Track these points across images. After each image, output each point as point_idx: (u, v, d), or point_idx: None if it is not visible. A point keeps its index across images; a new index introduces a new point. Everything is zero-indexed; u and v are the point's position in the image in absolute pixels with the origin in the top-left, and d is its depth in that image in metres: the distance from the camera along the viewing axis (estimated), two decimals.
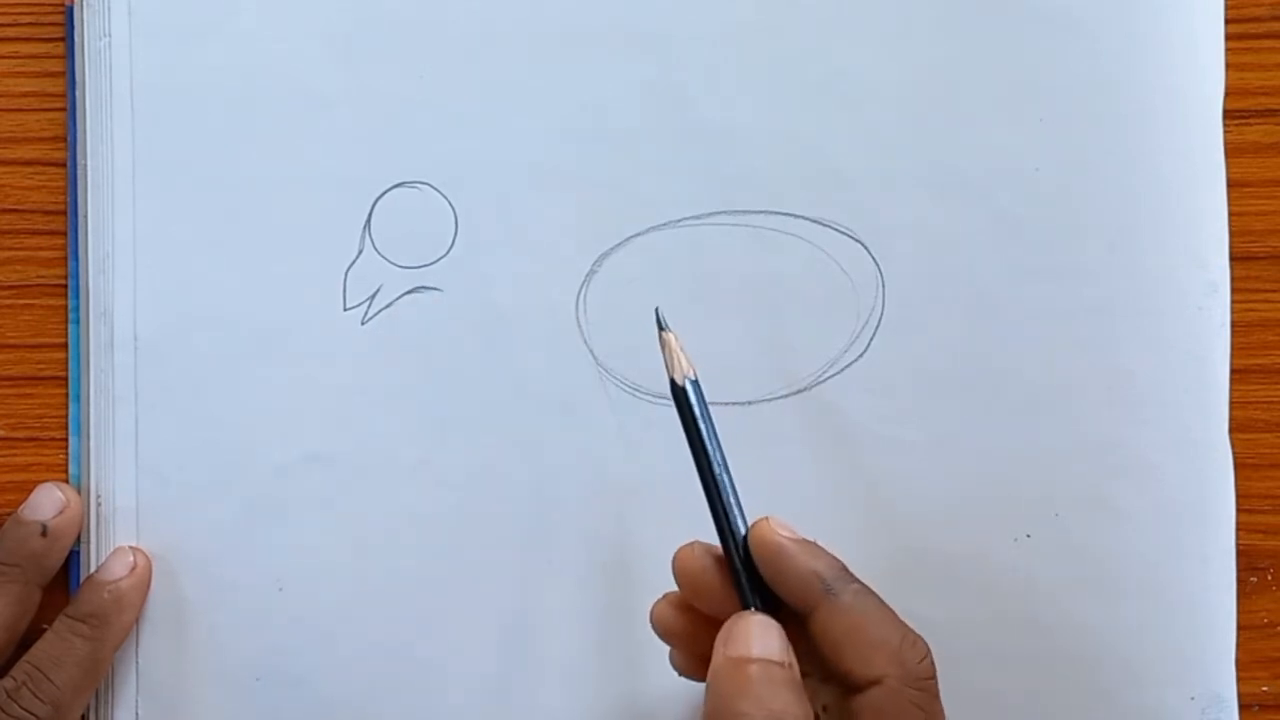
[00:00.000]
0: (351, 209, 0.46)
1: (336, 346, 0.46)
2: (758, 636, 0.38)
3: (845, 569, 0.39)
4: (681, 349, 0.38)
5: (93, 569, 0.45)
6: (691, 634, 0.40)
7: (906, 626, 0.39)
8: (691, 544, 0.40)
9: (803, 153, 0.46)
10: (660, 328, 0.39)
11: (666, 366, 0.39)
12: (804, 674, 0.38)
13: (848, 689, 0.37)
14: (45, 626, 0.44)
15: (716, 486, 0.39)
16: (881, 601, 0.39)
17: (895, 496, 0.45)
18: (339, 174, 0.46)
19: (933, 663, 0.38)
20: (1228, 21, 0.46)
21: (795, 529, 0.39)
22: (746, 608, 0.39)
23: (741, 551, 0.39)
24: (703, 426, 0.39)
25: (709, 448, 0.39)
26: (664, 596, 0.41)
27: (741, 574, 0.39)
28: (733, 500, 0.39)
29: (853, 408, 0.45)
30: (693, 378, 0.39)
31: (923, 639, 0.38)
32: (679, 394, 0.38)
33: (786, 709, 0.36)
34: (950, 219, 0.46)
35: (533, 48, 0.46)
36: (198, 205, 0.46)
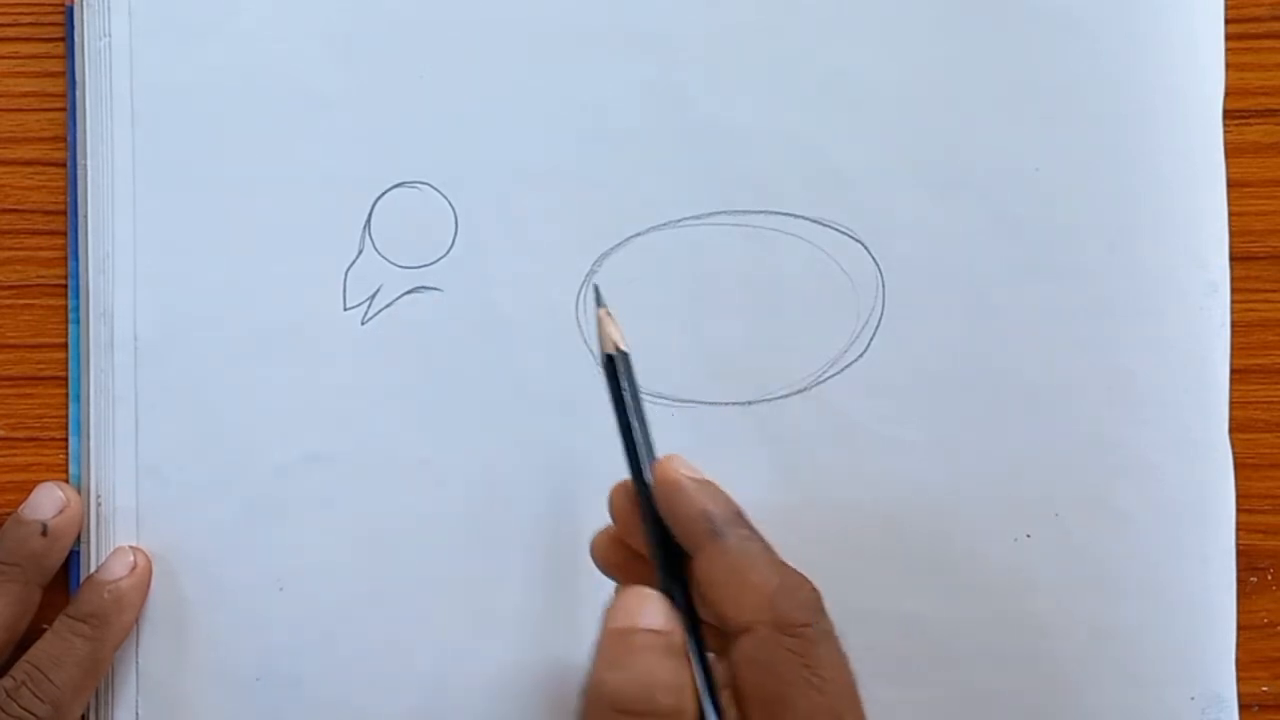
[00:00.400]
0: (351, 209, 0.46)
1: (337, 346, 0.46)
2: (636, 607, 0.37)
3: (740, 514, 0.38)
4: (615, 324, 0.40)
5: (93, 569, 0.45)
6: (628, 568, 0.40)
7: (793, 573, 0.37)
8: (625, 481, 0.40)
9: (803, 153, 0.46)
10: (598, 304, 0.41)
11: (600, 341, 0.40)
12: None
13: (727, 636, 0.37)
14: (45, 626, 0.44)
15: (630, 431, 0.39)
16: (770, 550, 0.38)
17: (895, 496, 0.45)
18: (339, 174, 0.46)
19: (817, 610, 0.37)
20: (1228, 21, 0.46)
21: (701, 470, 0.39)
22: (654, 546, 0.38)
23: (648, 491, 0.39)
24: (626, 393, 0.40)
25: (629, 406, 0.40)
26: (604, 529, 0.41)
27: (647, 514, 0.39)
28: (644, 445, 0.39)
29: (853, 408, 0.45)
30: (624, 349, 0.40)
31: (810, 586, 0.37)
32: (608, 363, 0.40)
33: (656, 676, 0.36)
34: (950, 219, 0.46)
35: (533, 48, 0.46)
36: (198, 205, 0.46)
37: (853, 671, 0.37)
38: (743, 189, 0.46)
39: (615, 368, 0.40)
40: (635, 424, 0.40)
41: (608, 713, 0.36)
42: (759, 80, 0.46)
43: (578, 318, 0.46)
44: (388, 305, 0.46)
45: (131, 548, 0.45)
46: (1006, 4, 0.46)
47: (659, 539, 0.38)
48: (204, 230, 0.46)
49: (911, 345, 0.45)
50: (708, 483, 0.39)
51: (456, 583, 0.45)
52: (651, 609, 0.37)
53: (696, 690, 0.37)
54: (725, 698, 0.37)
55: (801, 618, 0.36)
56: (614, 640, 0.37)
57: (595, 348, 0.46)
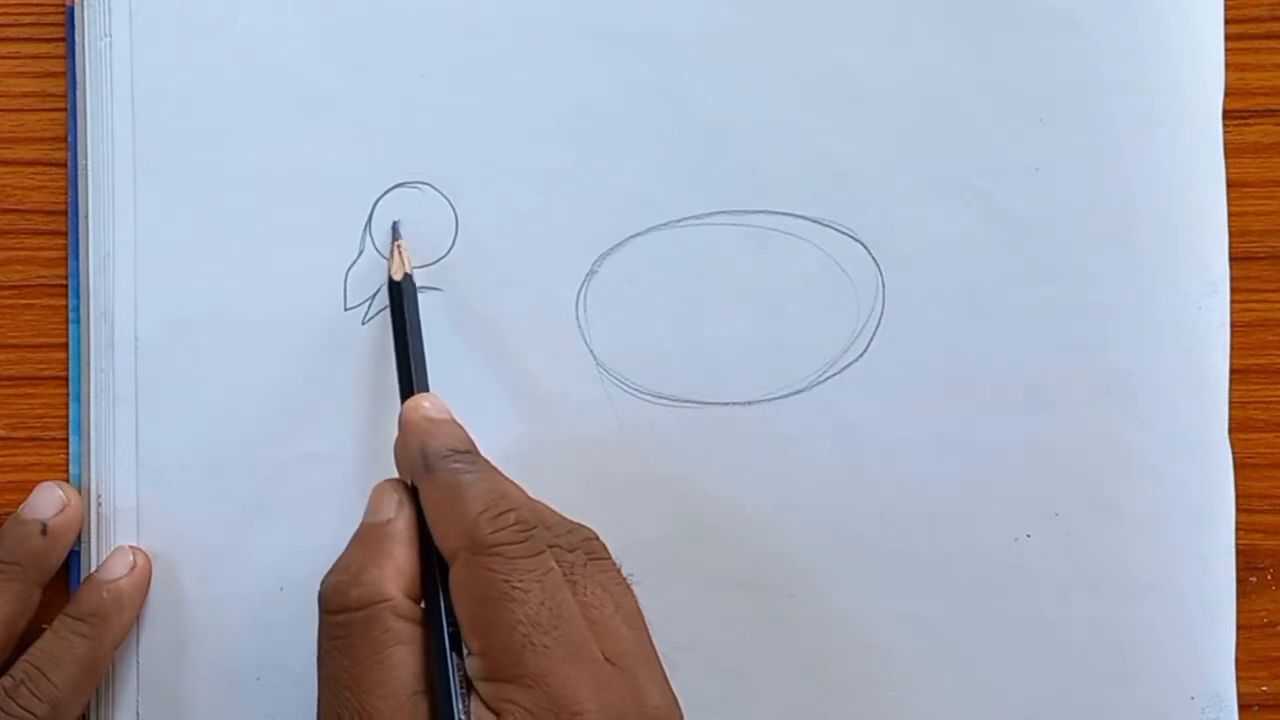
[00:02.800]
0: (351, 209, 0.46)
1: (337, 346, 0.46)
2: (373, 502, 0.40)
3: (459, 449, 0.39)
4: (404, 255, 0.44)
5: (93, 569, 0.45)
6: None
7: (503, 498, 0.38)
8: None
9: (803, 153, 0.46)
10: (395, 238, 0.45)
11: (390, 269, 0.44)
12: None
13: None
14: (45, 626, 0.44)
15: (406, 365, 0.42)
16: (486, 479, 0.39)
17: (895, 496, 0.45)
18: (339, 174, 0.46)
19: (524, 528, 0.37)
20: (1228, 22, 0.46)
21: (451, 409, 0.40)
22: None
23: None
24: (408, 315, 0.43)
25: (410, 333, 0.43)
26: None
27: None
28: (415, 382, 0.42)
29: (853, 408, 0.45)
30: (409, 272, 0.44)
31: (524, 510, 0.38)
32: (394, 287, 0.44)
33: (351, 571, 0.38)
34: (950, 219, 0.46)
35: (533, 48, 0.46)
36: (198, 205, 0.46)
37: (606, 595, 0.38)
38: (743, 189, 0.46)
39: (400, 293, 0.43)
40: (411, 353, 0.43)
41: (322, 615, 0.38)
42: (759, 80, 0.46)
43: (578, 318, 0.46)
44: (388, 305, 0.46)
45: (131, 548, 0.45)
46: (1006, 4, 0.46)
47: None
48: (204, 230, 0.46)
49: (911, 345, 0.45)
50: (440, 420, 0.40)
51: None
52: (382, 503, 0.39)
53: (426, 582, 0.38)
54: None
55: (499, 538, 0.37)
56: (358, 533, 0.39)
57: (597, 349, 0.46)
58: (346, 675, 0.37)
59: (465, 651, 0.37)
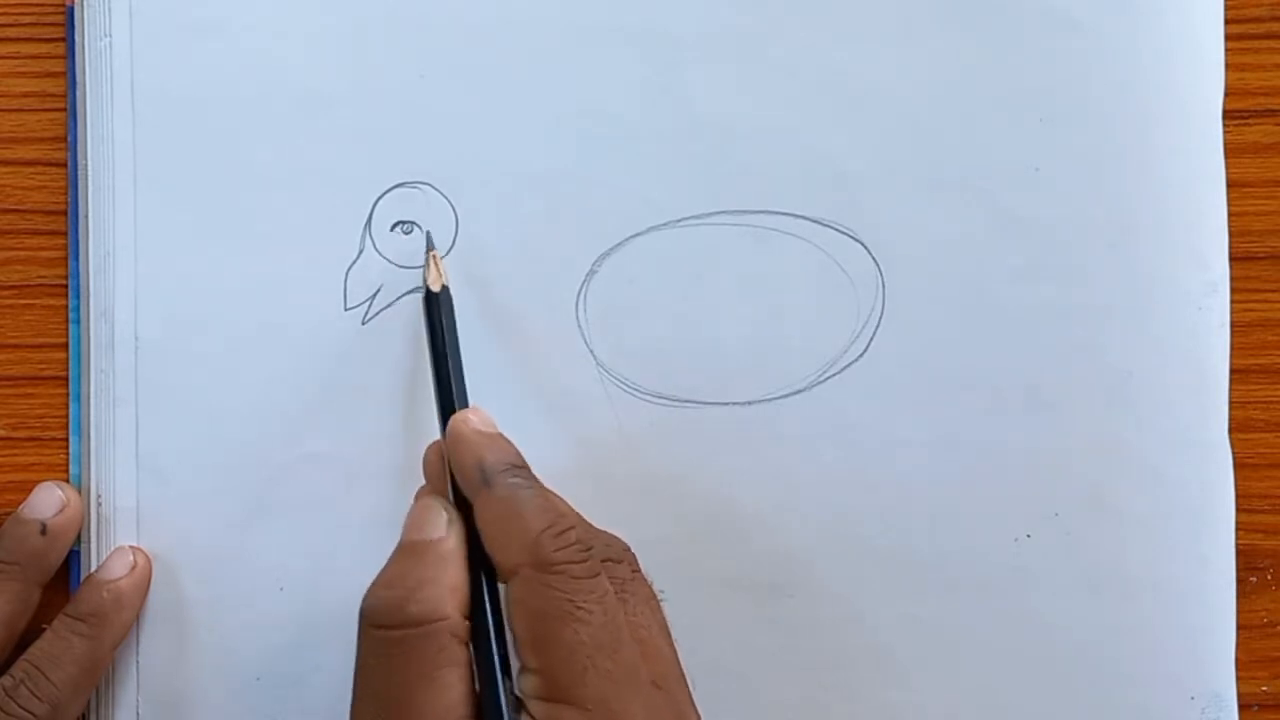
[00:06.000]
0: (351, 209, 0.46)
1: (337, 346, 0.46)
2: (416, 519, 0.39)
3: (516, 464, 0.39)
4: (440, 266, 0.44)
5: (93, 569, 0.45)
6: None
7: (563, 517, 0.38)
8: (437, 442, 0.41)
9: (803, 153, 0.46)
10: (429, 248, 0.45)
11: (426, 279, 0.44)
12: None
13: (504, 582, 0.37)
14: (45, 626, 0.44)
15: (443, 382, 0.42)
16: (542, 495, 0.38)
17: (895, 496, 0.45)
18: (339, 174, 0.46)
19: (583, 548, 0.37)
20: (1228, 22, 0.46)
21: (496, 423, 0.40)
22: (456, 499, 0.40)
23: None
24: (445, 331, 0.43)
25: (447, 348, 0.42)
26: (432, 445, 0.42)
27: (447, 470, 0.40)
28: (455, 399, 0.41)
29: (853, 408, 0.45)
30: (446, 284, 0.44)
31: (581, 529, 0.38)
32: (431, 298, 0.43)
33: (408, 587, 0.37)
34: (950, 219, 0.46)
35: (533, 48, 0.46)
36: (198, 205, 0.46)
37: (649, 612, 0.38)
38: (743, 189, 0.46)
39: (438, 304, 0.43)
40: (452, 376, 0.42)
41: (367, 630, 0.37)
42: (759, 80, 0.46)
43: (578, 318, 0.46)
44: (388, 305, 0.46)
45: (131, 548, 0.45)
46: (1006, 4, 0.46)
47: (456, 494, 0.40)
48: (204, 230, 0.46)
49: (911, 345, 0.45)
50: (492, 435, 0.40)
51: None
52: (429, 520, 0.39)
53: (471, 598, 0.38)
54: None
55: (563, 556, 0.37)
56: (398, 551, 0.38)
57: (597, 349, 0.46)
58: (394, 693, 0.36)
59: (517, 670, 0.37)
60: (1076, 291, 0.45)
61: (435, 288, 0.43)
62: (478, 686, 0.37)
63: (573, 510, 0.39)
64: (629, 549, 0.40)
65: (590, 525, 0.39)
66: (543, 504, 0.38)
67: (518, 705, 0.36)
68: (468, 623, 0.38)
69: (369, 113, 0.46)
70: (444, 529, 0.38)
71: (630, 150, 0.46)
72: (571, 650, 0.36)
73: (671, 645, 0.38)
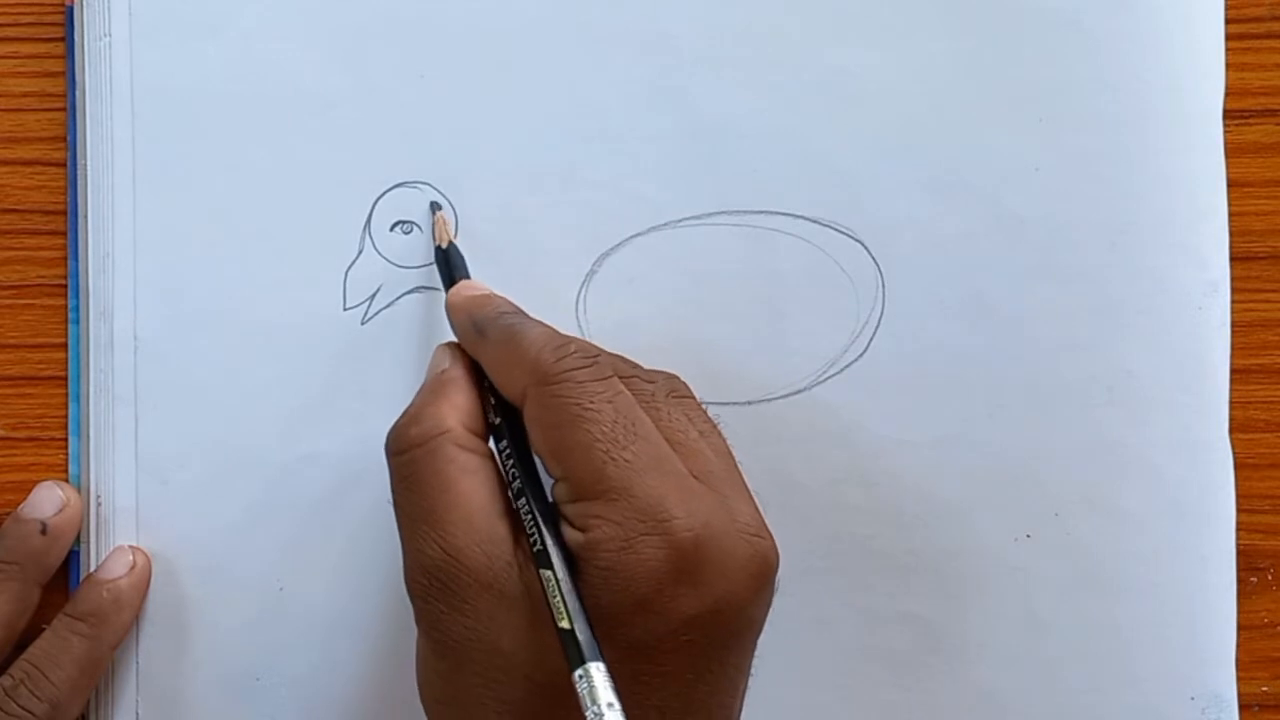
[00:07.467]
0: (351, 209, 0.46)
1: (336, 346, 0.46)
2: (433, 358, 0.41)
3: (504, 310, 0.40)
4: (446, 226, 0.45)
5: (92, 568, 0.45)
6: None
7: (560, 336, 0.39)
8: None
9: (803, 153, 0.46)
10: (435, 211, 0.45)
11: (434, 236, 0.45)
12: None
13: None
14: (44, 626, 0.44)
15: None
16: (537, 324, 0.39)
17: (895, 496, 0.45)
18: (339, 174, 0.46)
19: (588, 357, 0.38)
20: (1228, 21, 0.46)
21: (489, 288, 0.42)
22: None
23: None
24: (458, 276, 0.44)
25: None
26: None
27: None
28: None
29: (853, 408, 0.45)
30: (452, 239, 0.45)
31: (584, 342, 0.38)
32: (440, 254, 0.45)
33: (414, 407, 0.39)
34: (950, 219, 0.46)
35: (533, 48, 0.46)
36: (198, 205, 0.46)
37: (687, 420, 0.38)
38: (743, 189, 0.46)
39: (447, 259, 0.44)
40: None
41: (389, 462, 0.39)
42: (759, 80, 0.46)
43: (578, 318, 0.46)
44: (388, 305, 0.46)
45: (131, 547, 0.45)
46: (1006, 4, 0.46)
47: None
48: (204, 230, 0.46)
49: (911, 345, 0.45)
50: (483, 294, 0.41)
51: None
52: (435, 361, 0.41)
53: (483, 420, 0.39)
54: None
55: (564, 365, 0.37)
56: (424, 386, 0.40)
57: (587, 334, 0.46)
58: (418, 509, 0.37)
59: (551, 482, 0.37)
60: (1076, 291, 0.45)
61: (442, 244, 0.44)
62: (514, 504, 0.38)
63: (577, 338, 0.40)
64: (676, 378, 0.40)
65: (625, 359, 0.40)
66: (539, 330, 0.39)
67: (554, 513, 0.37)
68: (480, 439, 0.39)
69: (369, 113, 0.46)
70: (448, 362, 0.40)
71: (630, 150, 0.46)
72: (587, 449, 0.36)
73: (724, 457, 0.39)
